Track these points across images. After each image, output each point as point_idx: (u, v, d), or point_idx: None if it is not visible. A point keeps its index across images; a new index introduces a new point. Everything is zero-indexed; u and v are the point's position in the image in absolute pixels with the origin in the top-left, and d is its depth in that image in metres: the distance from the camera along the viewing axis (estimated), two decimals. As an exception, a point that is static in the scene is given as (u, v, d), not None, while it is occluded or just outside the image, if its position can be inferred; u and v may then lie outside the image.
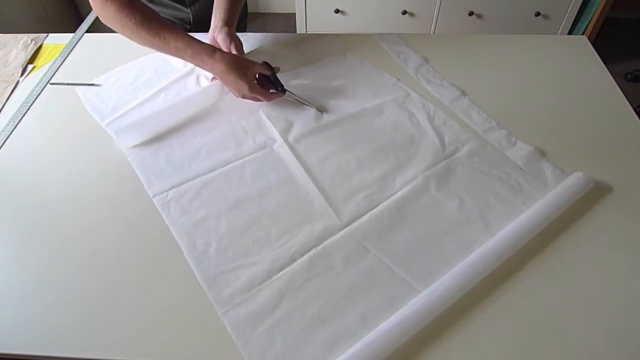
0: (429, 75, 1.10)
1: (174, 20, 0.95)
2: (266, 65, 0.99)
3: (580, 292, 0.70)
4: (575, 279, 0.71)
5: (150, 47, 0.99)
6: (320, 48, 1.17)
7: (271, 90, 1.01)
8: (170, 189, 0.85)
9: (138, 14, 0.94)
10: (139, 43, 0.99)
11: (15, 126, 0.99)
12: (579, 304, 0.69)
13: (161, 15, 1.22)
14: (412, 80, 1.08)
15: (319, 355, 0.63)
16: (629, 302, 0.69)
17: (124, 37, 1.24)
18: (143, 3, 0.97)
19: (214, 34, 1.07)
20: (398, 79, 1.08)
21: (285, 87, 1.00)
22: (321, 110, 1.00)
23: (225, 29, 1.07)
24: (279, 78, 1.00)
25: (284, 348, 0.64)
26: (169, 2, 1.23)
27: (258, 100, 0.99)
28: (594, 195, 0.82)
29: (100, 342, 0.67)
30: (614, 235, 0.77)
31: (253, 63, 0.97)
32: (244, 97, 0.98)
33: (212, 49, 0.96)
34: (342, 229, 0.78)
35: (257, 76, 0.99)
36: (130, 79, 1.10)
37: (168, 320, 0.69)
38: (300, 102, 1.01)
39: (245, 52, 1.11)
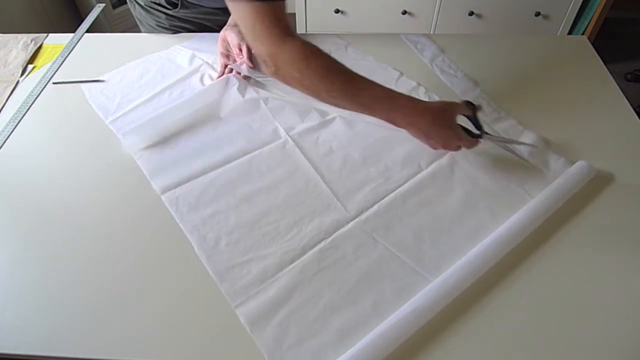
0: (444, 65, 1.10)
1: (216, 27, 0.87)
2: (468, 104, 0.83)
3: (584, 280, 0.70)
4: (580, 267, 0.72)
5: (333, 101, 0.81)
6: (321, 45, 1.16)
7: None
8: (177, 186, 0.85)
9: (324, 57, 0.79)
10: (317, 97, 0.81)
11: (15, 126, 0.98)
12: (584, 293, 0.69)
13: (202, 22, 1.20)
14: (420, 72, 1.08)
15: (332, 344, 0.63)
16: (631, 291, 0.69)
17: (123, 37, 1.25)
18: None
19: (226, 32, 1.06)
20: (401, 73, 1.08)
21: (485, 130, 0.85)
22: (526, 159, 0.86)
23: (237, 27, 1.06)
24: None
25: (298, 338, 0.64)
26: (211, 9, 1.21)
27: (459, 149, 0.84)
28: (597, 184, 0.83)
29: (104, 342, 0.65)
30: (617, 222, 0.78)
31: (454, 105, 0.83)
32: (446, 148, 0.83)
33: (413, 99, 0.82)
34: (351, 221, 0.78)
35: None
36: (136, 77, 1.09)
37: (177, 317, 0.67)
38: (504, 146, 0.88)
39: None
